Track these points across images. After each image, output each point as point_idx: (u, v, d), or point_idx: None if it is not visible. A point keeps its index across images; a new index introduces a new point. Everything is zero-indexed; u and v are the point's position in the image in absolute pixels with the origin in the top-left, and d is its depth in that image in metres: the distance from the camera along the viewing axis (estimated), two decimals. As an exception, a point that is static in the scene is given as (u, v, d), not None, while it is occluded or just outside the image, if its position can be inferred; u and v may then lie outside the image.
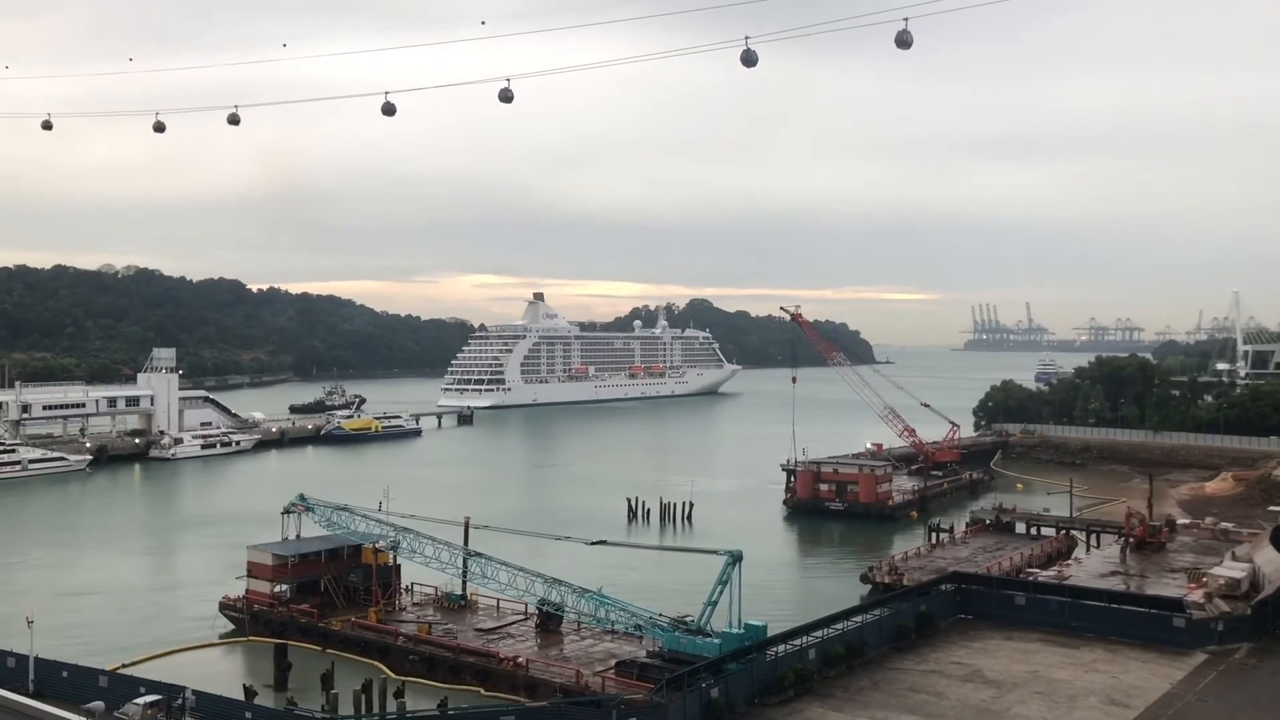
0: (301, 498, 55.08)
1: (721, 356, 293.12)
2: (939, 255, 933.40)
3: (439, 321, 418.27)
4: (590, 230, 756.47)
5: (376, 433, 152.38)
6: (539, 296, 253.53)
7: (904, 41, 32.97)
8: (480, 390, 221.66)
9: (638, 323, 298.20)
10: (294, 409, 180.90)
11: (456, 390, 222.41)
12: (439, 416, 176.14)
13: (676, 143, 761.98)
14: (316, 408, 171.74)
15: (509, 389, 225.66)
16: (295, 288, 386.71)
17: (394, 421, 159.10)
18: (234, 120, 43.51)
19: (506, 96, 39.52)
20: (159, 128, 43.64)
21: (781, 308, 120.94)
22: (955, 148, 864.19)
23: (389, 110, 40.99)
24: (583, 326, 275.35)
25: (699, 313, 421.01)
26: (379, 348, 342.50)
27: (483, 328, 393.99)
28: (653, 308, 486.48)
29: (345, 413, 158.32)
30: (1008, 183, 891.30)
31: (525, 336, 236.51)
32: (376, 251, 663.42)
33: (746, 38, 32.82)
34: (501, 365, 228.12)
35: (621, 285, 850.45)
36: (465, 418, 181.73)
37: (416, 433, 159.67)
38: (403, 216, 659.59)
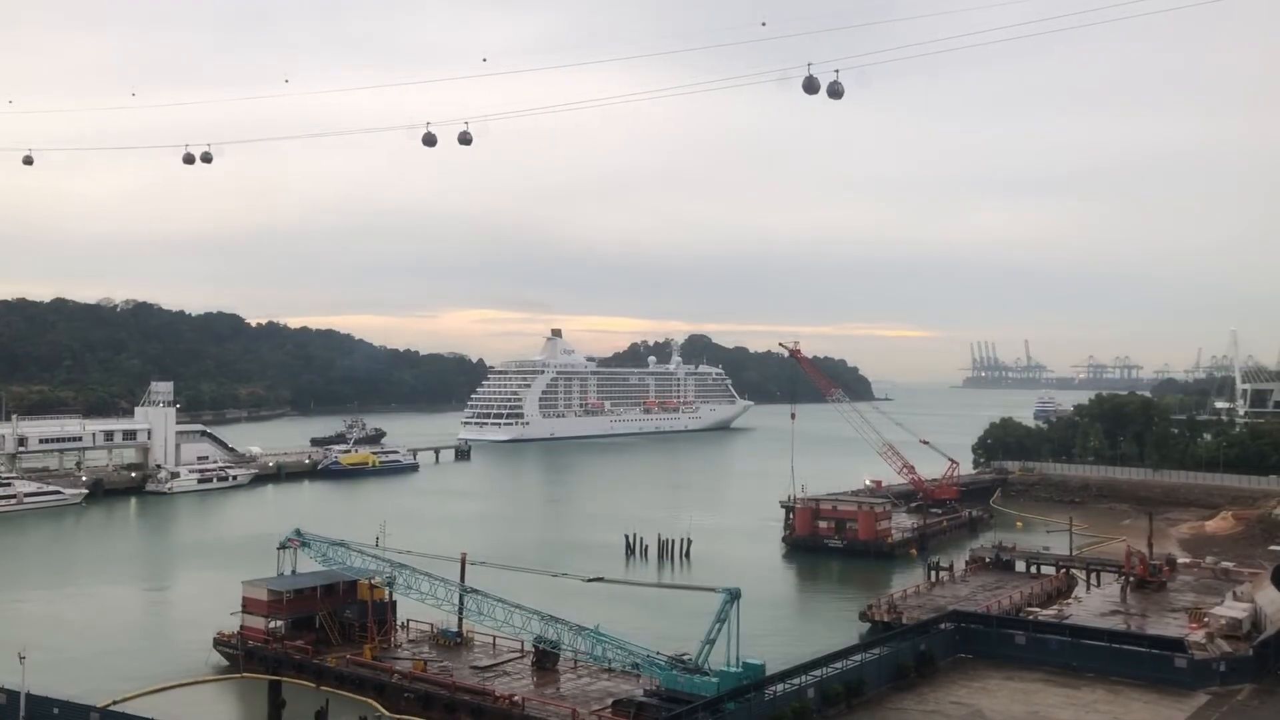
0: (297, 532, 54.99)
1: (734, 392, 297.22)
2: (938, 292, 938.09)
3: (438, 356, 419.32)
4: (589, 265, 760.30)
5: (373, 467, 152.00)
6: (557, 333, 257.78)
7: (835, 92, 33.99)
8: (500, 424, 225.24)
9: (652, 358, 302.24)
10: (315, 441, 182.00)
11: (476, 424, 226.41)
12: (436, 451, 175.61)
13: (677, 180, 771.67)
14: (337, 440, 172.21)
15: (527, 423, 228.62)
16: (294, 322, 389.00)
17: (391, 456, 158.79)
18: (206, 159, 44.43)
19: (465, 139, 40.51)
20: (189, 159, 44.47)
21: (780, 343, 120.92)
22: (953, 185, 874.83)
23: (430, 141, 41.70)
24: (599, 362, 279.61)
25: (698, 348, 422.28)
26: (378, 383, 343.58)
27: (481, 363, 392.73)
28: (651, 343, 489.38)
29: (341, 447, 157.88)
30: (1006, 220, 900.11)
31: (544, 371, 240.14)
32: (378, 287, 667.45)
33: (809, 64, 33.63)
34: (520, 400, 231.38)
35: (620, 321, 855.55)
36: (463, 453, 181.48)
37: (414, 467, 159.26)
38: (403, 251, 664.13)
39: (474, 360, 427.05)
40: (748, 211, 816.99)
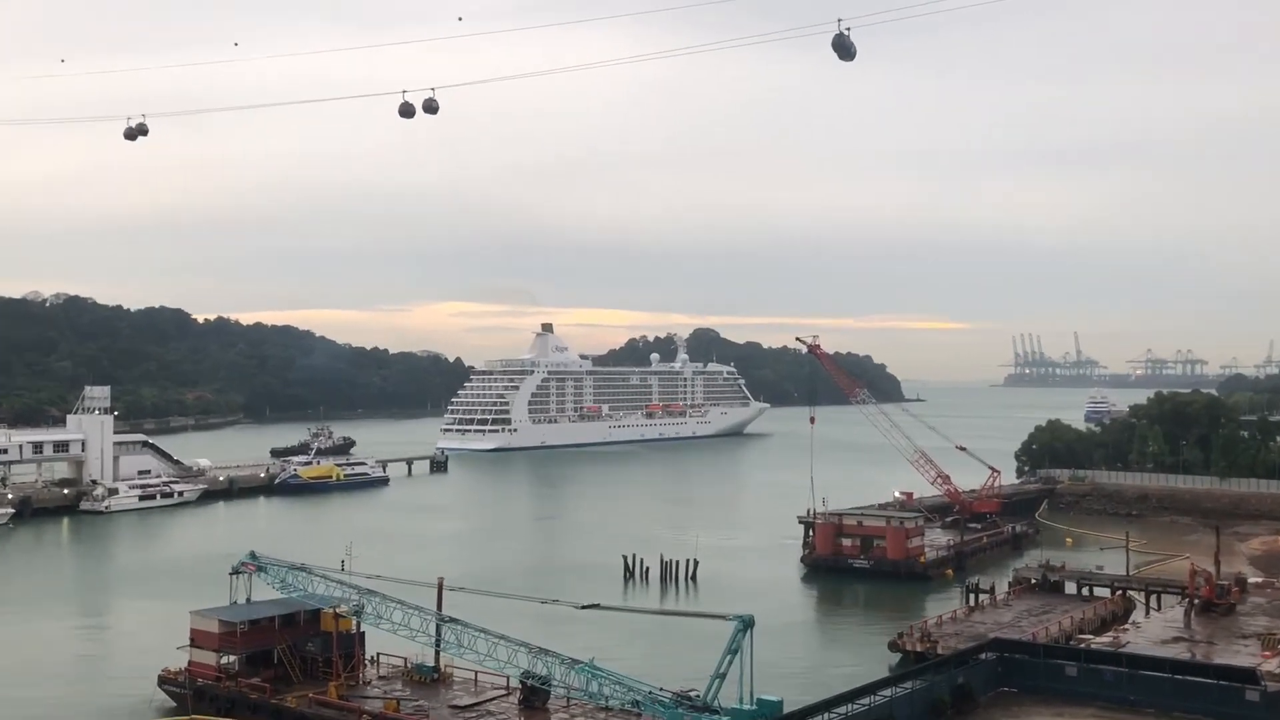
0: (252, 556, 54.94)
1: (748, 393, 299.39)
2: (974, 280, 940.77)
3: (410, 356, 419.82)
4: (581, 252, 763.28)
5: (338, 481, 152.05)
6: (547, 328, 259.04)
7: (845, 48, 33.32)
8: (484, 432, 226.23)
9: (655, 356, 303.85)
10: (276, 453, 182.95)
11: (458, 431, 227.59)
12: (409, 463, 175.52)
13: (680, 156, 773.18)
14: (300, 450, 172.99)
15: (515, 430, 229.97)
16: (247, 318, 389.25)
17: (357, 468, 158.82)
18: (141, 131, 43.49)
19: (431, 107, 40.06)
20: (131, 134, 43.78)
21: (798, 338, 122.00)
22: (992, 159, 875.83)
23: (407, 112, 41.19)
24: (595, 361, 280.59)
25: (705, 344, 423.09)
26: (342, 386, 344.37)
27: (459, 362, 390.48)
28: (652, 338, 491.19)
29: (302, 458, 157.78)
30: (1051, 199, 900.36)
31: (533, 372, 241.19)
32: (341, 277, 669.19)
33: (839, 20, 32.73)
34: (506, 404, 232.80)
35: (617, 314, 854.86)
36: (439, 464, 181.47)
37: (384, 481, 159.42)
38: (370, 237, 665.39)
39: (451, 360, 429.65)
40: (760, 190, 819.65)
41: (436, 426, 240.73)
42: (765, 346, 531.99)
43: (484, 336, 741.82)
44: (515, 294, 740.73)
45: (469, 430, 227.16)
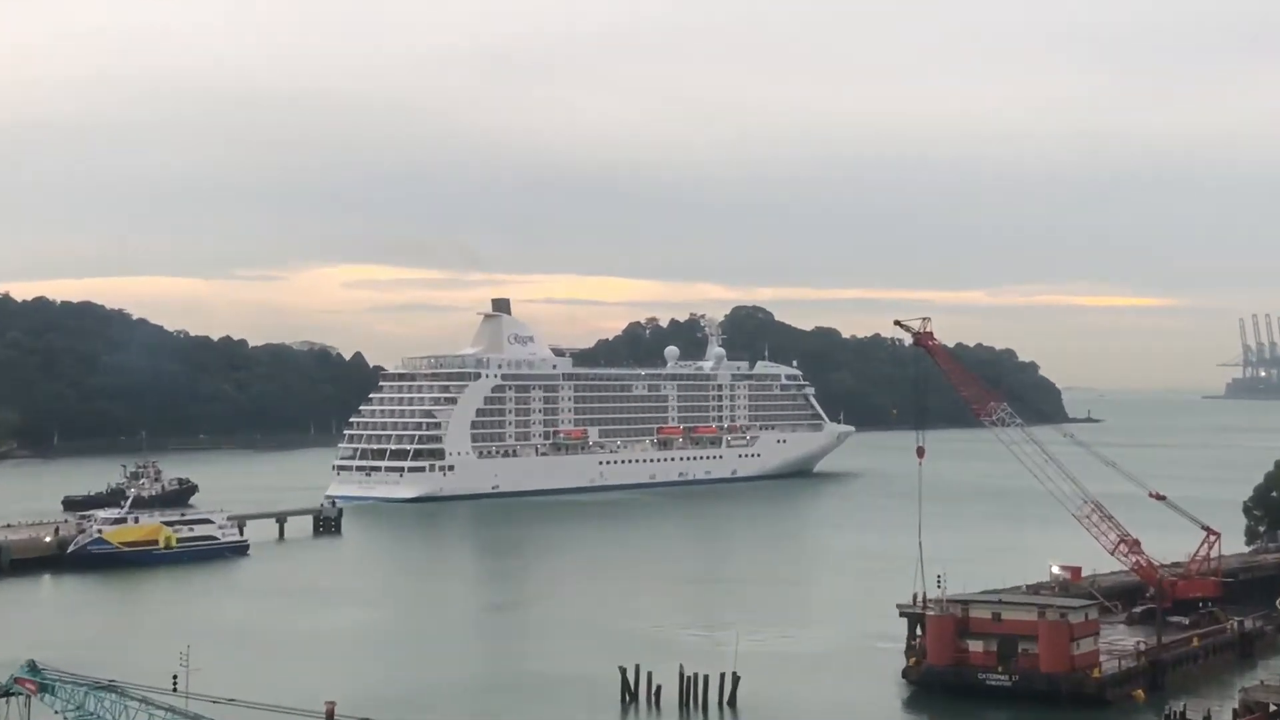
0: (32, 668, 54.82)
1: (819, 409, 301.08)
2: (1177, 229, 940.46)
3: (282, 350, 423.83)
4: (552, 188, 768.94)
5: (168, 549, 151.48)
6: (501, 306, 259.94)
7: None
8: (401, 470, 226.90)
9: (671, 350, 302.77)
10: (70, 504, 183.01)
11: (360, 470, 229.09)
12: (280, 521, 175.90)
13: (703, 39, 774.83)
14: (110, 500, 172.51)
15: (451, 467, 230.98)
16: (21, 289, 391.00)
17: (199, 529, 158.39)
18: None
19: None
20: None
21: (898, 323, 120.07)
22: (1210, 36, 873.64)
23: None
24: (577, 358, 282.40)
25: (750, 331, 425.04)
26: (175, 396, 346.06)
27: (361, 360, 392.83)
28: (664, 322, 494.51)
29: (111, 513, 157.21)
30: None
31: (479, 375, 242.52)
32: (171, 224, 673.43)
33: None
34: (438, 426, 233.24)
35: (609, 284, 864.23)
36: (329, 522, 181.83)
37: (240, 548, 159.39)
38: (219, 163, 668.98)
39: (348, 356, 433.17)
40: (830, 90, 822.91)
41: (326, 461, 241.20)
42: (845, 336, 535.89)
43: (400, 320, 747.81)
44: (449, 253, 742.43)
45: (378, 468, 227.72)
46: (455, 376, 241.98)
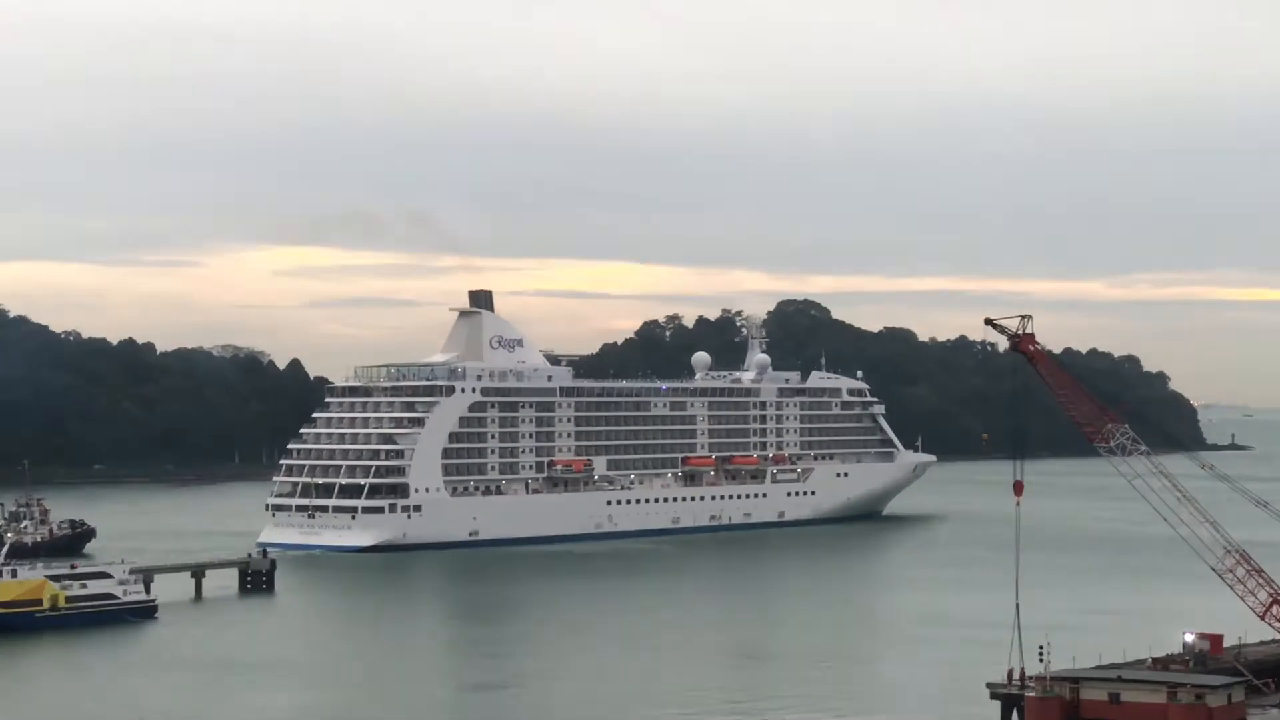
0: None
1: (890, 433, 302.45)
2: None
3: (199, 357, 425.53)
4: (552, 150, 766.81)
5: (54, 611, 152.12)
6: (481, 300, 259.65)
7: None
8: (353, 511, 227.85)
9: (702, 357, 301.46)
10: None
11: (300, 511, 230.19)
12: (197, 575, 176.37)
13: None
14: None
15: (418, 508, 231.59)
16: None
17: (94, 585, 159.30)
18: None
19: None
20: None
21: (989, 321, 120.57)
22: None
23: None
24: (578, 367, 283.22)
25: (801, 331, 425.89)
26: (61, 416, 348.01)
27: (299, 368, 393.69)
28: (690, 320, 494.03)
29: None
30: None
31: (454, 390, 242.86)
32: (51, 196, 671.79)
33: None
34: (400, 454, 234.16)
35: (617, 271, 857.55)
36: (259, 576, 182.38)
37: (147, 610, 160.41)
38: (112, 120, 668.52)
39: (283, 364, 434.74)
40: (908, 25, 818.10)
41: (257, 499, 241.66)
42: (923, 339, 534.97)
43: (349, 318, 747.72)
44: (412, 231, 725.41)
45: (323, 509, 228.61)
46: (422, 391, 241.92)
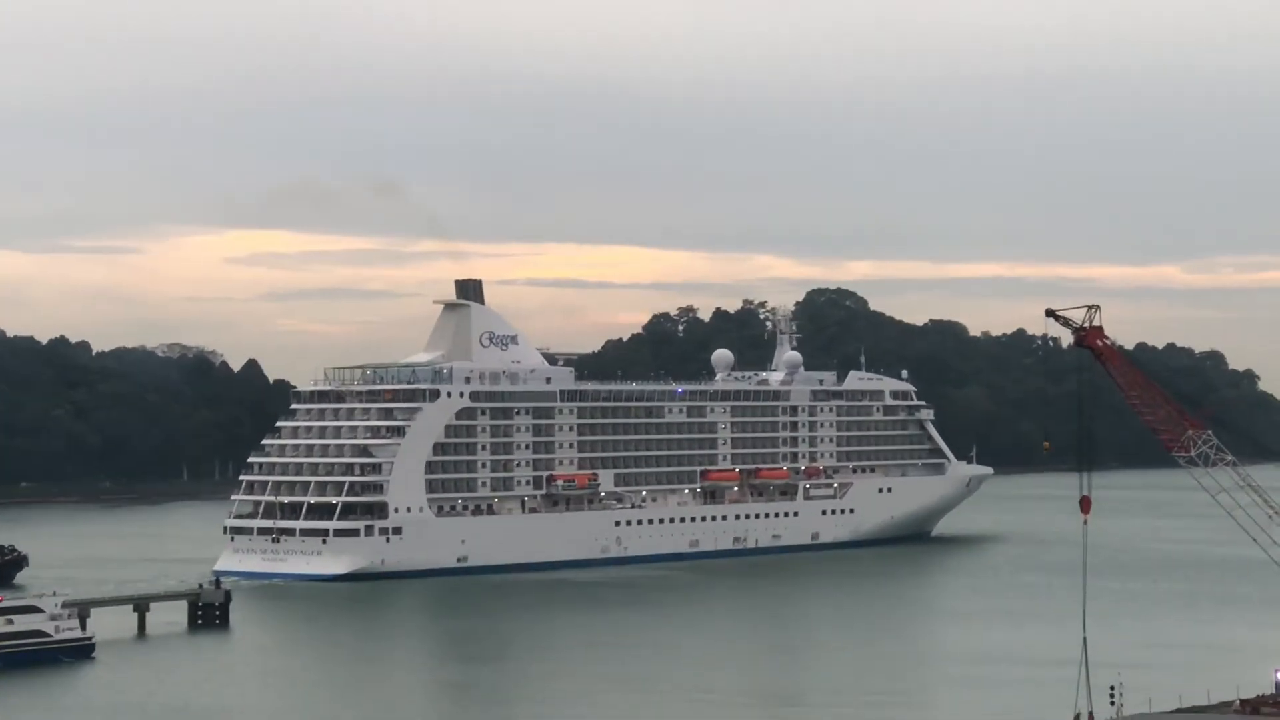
0: None
1: (939, 441, 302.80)
2: None
3: (140, 356, 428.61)
4: (549, 116, 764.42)
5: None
6: (469, 292, 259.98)
7: None
8: (324, 535, 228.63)
9: (723, 355, 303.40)
10: None
11: (264, 535, 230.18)
12: (140, 609, 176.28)
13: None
14: None
15: (397, 530, 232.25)
16: None
17: (21, 621, 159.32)
18: None
19: None
20: None
21: (1050, 313, 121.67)
22: None
23: None
24: (580, 368, 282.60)
25: (830, 323, 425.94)
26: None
27: (257, 370, 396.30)
28: (707, 313, 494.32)
29: None
30: None
31: (439, 394, 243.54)
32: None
33: None
34: (378, 469, 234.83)
35: (631, 256, 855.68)
36: (211, 609, 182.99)
37: (82, 649, 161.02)
38: (37, 82, 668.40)
39: (237, 365, 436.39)
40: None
41: (211, 521, 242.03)
42: (975, 333, 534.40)
43: (315, 312, 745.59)
44: (387, 210, 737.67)
45: (289, 532, 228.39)
46: (402, 396, 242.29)
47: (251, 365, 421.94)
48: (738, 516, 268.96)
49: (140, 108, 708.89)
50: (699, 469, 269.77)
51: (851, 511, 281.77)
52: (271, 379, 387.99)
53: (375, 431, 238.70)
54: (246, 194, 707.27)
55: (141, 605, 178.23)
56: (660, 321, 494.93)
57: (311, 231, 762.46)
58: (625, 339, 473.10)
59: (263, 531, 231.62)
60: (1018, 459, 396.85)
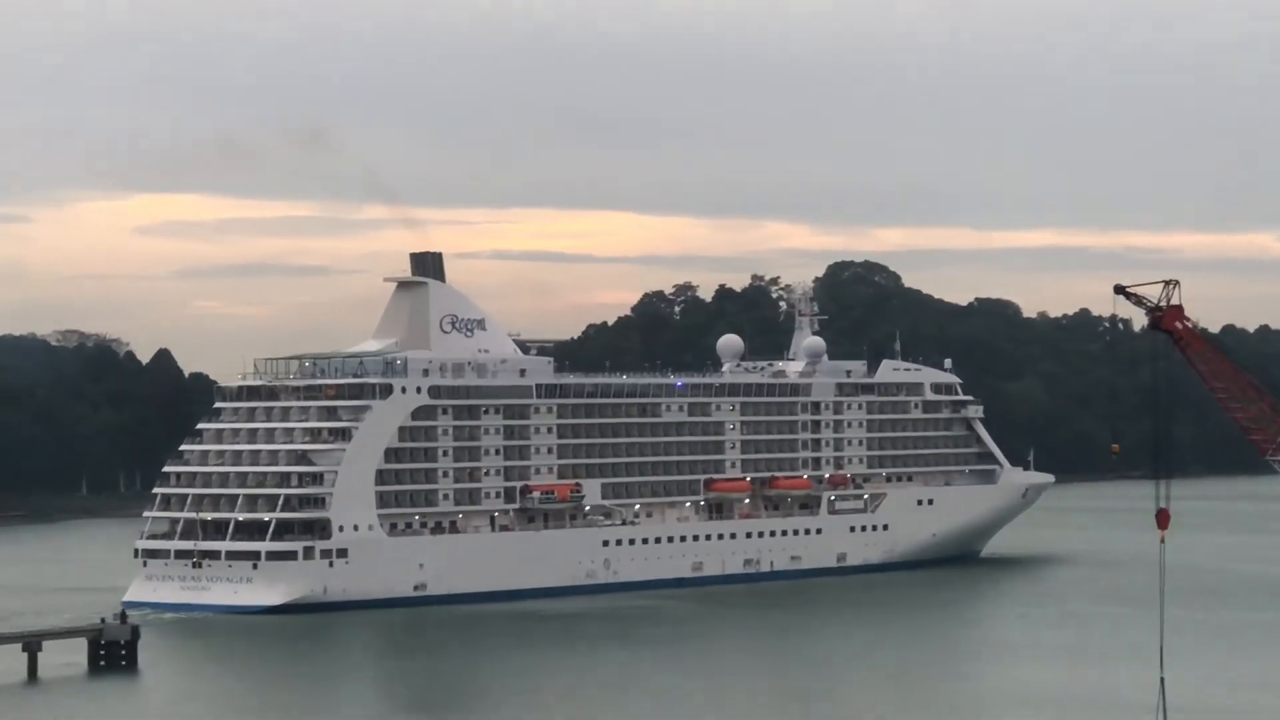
0: None
1: (991, 445, 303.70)
2: None
3: (26, 345, 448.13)
4: (516, 53, 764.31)
5: None
6: (427, 266, 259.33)
7: None
8: (255, 559, 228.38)
9: (731, 343, 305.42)
10: None
11: (183, 559, 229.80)
12: (30, 647, 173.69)
13: None
14: None
15: (342, 552, 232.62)
16: None
17: None
18: None
19: None
20: None
21: (1121, 289, 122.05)
22: None
23: None
24: (559, 358, 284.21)
25: (856, 302, 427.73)
26: None
27: (170, 360, 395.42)
28: (709, 291, 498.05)
29: None
30: None
31: (391, 390, 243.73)
32: None
33: None
34: (318, 480, 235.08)
35: (616, 223, 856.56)
36: (115, 648, 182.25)
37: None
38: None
39: (145, 357, 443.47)
40: None
41: (118, 541, 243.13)
42: (1029, 314, 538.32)
43: (240, 291, 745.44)
44: (325, 168, 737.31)
45: (214, 555, 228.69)
46: (348, 392, 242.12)
47: (163, 356, 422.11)
48: (749, 535, 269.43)
49: (26, 53, 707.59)
50: (703, 478, 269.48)
51: (885, 528, 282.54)
52: (187, 372, 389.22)
53: (315, 435, 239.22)
54: (155, 152, 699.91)
55: (32, 644, 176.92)
56: (652, 302, 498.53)
57: (233, 195, 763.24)
58: (610, 323, 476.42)
59: (181, 555, 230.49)
60: (1080, 464, 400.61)
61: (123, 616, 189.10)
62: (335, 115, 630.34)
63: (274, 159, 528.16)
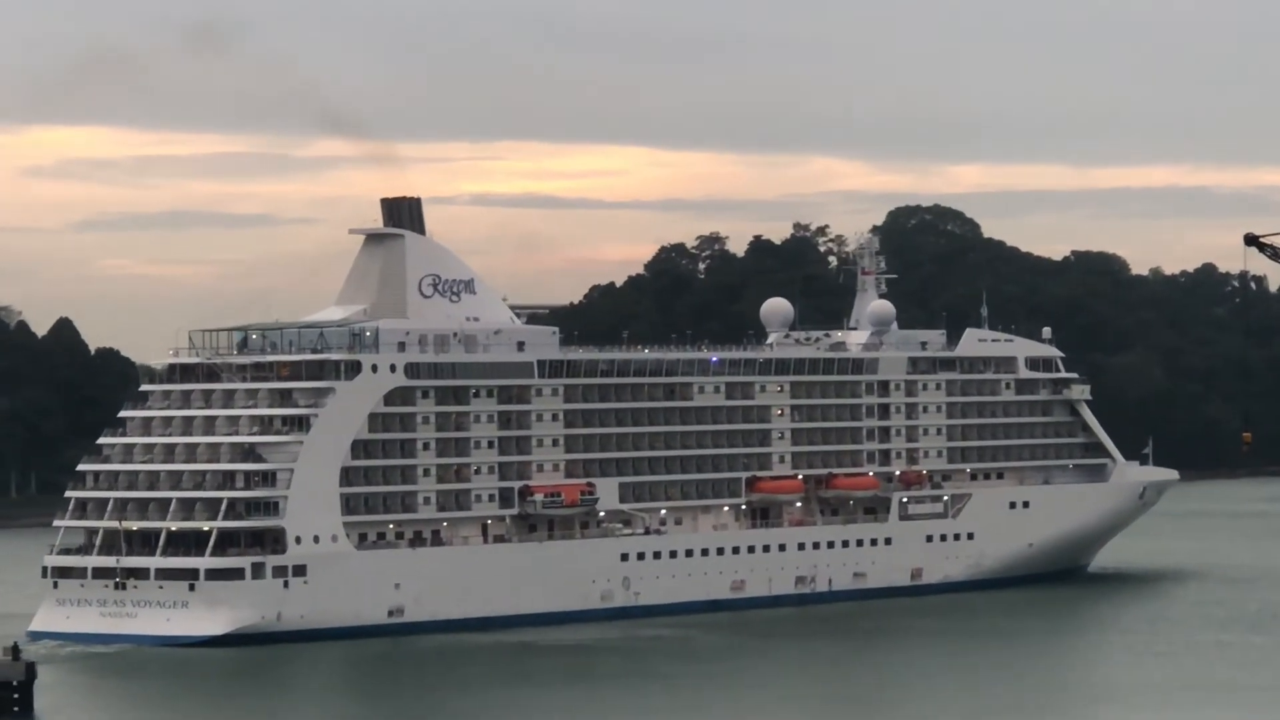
0: None
1: (1102, 434, 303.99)
2: None
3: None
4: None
5: None
6: (402, 215, 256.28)
7: None
8: (192, 577, 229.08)
9: (778, 308, 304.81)
10: None
11: (101, 579, 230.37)
12: None
13: None
14: None
15: (299, 569, 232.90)
16: None
17: None
18: None
19: None
20: None
21: (1253, 239, 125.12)
22: None
23: None
24: (565, 326, 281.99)
25: (924, 257, 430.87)
26: None
27: (69, 333, 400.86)
28: (740, 245, 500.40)
29: None
30: None
31: (360, 367, 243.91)
32: None
33: None
34: (269, 480, 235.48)
35: (626, 159, 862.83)
36: (7, 691, 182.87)
37: None
38: None
39: (43, 330, 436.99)
40: None
41: (21, 557, 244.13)
42: (1139, 272, 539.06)
43: (162, 249, 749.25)
44: (272, 98, 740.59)
45: (140, 574, 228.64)
46: (306, 371, 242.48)
47: (64, 327, 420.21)
48: (802, 546, 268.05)
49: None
50: (744, 476, 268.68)
51: (970, 537, 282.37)
52: (94, 347, 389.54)
53: (266, 424, 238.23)
54: (50, 71, 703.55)
55: None
56: (670, 257, 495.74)
57: (149, 128, 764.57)
58: (618, 283, 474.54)
59: (101, 573, 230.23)
60: (1204, 457, 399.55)
61: (15, 651, 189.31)
62: (280, 29, 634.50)
63: (205, 79, 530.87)
